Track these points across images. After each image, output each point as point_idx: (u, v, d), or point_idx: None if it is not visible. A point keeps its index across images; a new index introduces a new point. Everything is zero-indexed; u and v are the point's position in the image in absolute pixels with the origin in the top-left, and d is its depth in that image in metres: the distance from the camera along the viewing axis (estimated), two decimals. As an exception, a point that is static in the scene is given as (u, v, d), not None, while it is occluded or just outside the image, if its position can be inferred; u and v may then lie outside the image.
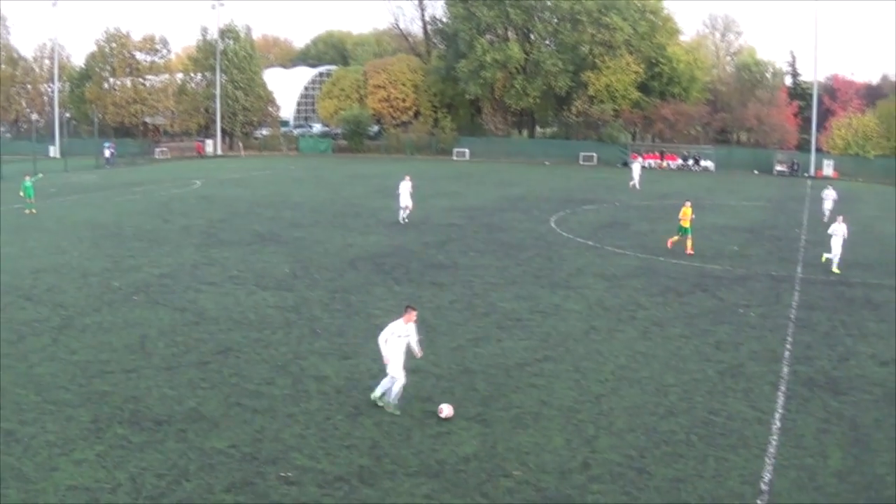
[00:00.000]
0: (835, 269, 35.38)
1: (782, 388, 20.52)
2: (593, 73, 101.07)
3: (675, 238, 38.51)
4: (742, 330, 25.79)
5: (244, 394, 18.92)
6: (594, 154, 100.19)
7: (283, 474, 14.92)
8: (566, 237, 42.59)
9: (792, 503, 14.60)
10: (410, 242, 39.42)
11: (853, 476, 15.73)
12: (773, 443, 17.07)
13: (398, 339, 17.73)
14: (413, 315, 18.06)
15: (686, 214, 38.03)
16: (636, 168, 73.32)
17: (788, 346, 24.11)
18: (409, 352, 18.11)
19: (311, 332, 24.08)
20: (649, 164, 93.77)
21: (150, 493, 14.07)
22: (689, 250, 37.64)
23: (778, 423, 18.14)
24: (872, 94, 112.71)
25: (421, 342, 18.61)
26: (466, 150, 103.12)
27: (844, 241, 35.80)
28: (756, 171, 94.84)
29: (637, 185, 69.67)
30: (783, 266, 36.06)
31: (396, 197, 45.85)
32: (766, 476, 15.55)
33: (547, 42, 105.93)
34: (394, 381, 17.81)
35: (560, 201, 58.52)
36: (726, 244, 41.79)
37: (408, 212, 45.69)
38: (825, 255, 36.28)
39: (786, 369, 21.96)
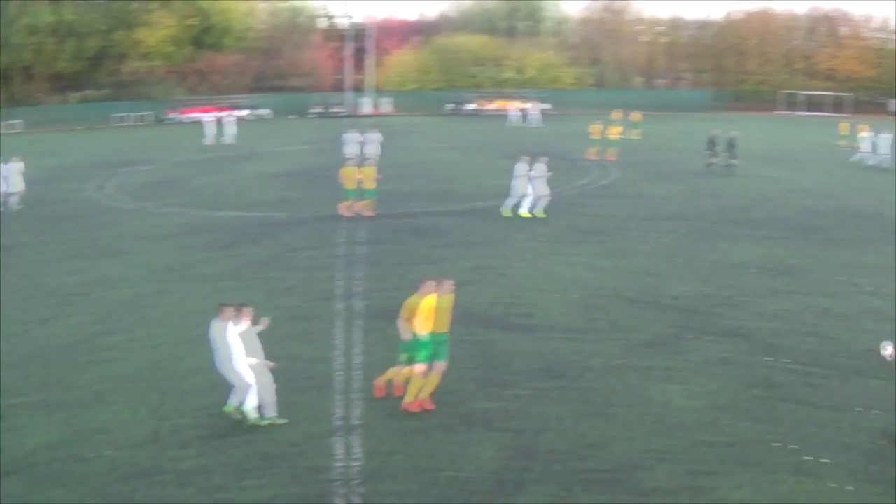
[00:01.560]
0: (523, 212, 33.29)
1: (355, 323, 20.68)
2: (134, 30, 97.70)
3: (348, 203, 34.76)
4: (294, 273, 25.79)
5: None
6: (134, 114, 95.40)
7: None
8: (110, 203, 40.13)
9: (384, 430, 14.85)
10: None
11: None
12: (358, 378, 17.11)
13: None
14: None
15: (348, 174, 34.37)
16: (210, 123, 69.38)
17: (358, 281, 24.43)
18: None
19: None
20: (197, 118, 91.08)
21: None
22: (368, 212, 34.61)
23: (360, 358, 18.20)
24: (428, 30, 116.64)
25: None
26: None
27: (532, 180, 33.13)
28: (295, 116, 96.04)
29: (226, 141, 66.60)
30: (328, 206, 36.19)
31: (4, 180, 39.06)
32: (357, 411, 15.63)
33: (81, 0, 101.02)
34: (249, 387, 15.21)
35: (102, 166, 54.99)
36: (270, 191, 42.07)
37: (19, 197, 38.95)
38: (523, 210, 33.54)
39: (341, 305, 22.15)
